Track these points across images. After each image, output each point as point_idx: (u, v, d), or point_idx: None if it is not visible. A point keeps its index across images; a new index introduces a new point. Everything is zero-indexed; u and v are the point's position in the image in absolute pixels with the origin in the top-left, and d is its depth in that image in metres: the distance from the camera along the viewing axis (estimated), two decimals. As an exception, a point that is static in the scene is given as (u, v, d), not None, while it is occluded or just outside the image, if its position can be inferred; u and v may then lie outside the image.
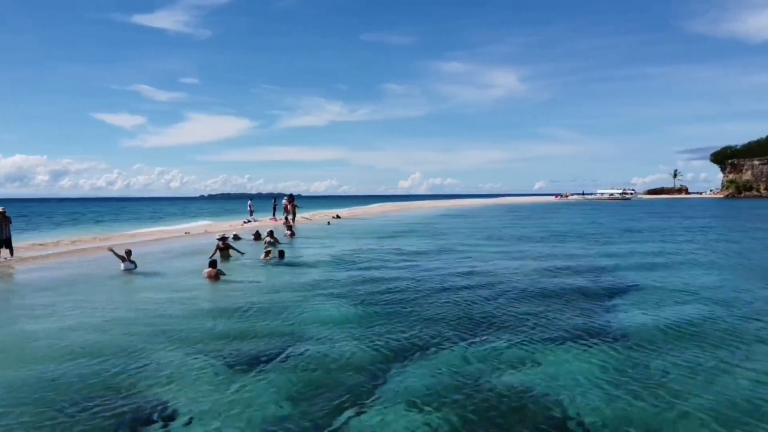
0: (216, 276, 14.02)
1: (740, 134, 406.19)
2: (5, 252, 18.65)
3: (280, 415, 5.69)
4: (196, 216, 60.09)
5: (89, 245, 23.19)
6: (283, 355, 7.61)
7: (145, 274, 14.86)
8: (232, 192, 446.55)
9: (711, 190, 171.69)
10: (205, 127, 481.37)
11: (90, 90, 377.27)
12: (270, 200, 46.02)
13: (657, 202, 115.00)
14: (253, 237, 24.58)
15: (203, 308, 10.68)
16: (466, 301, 11.34)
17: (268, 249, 17.93)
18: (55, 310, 10.53)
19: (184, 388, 6.43)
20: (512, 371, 7.03)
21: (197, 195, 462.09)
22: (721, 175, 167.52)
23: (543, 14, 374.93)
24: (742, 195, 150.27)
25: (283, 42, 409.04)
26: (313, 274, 14.92)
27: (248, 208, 41.38)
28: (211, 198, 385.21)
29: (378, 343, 8.26)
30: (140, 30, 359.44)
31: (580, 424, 5.52)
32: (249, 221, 37.71)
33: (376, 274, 15.00)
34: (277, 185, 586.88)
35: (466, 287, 12.87)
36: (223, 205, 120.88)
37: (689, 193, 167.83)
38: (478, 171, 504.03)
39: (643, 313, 10.16)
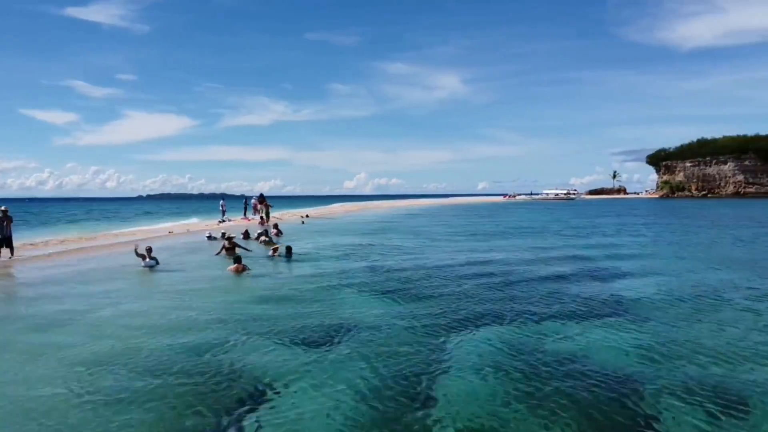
0: (242, 270, 14.94)
1: (671, 137, 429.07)
2: (5, 252, 18.73)
3: (364, 386, 6.50)
4: (157, 216, 59.37)
5: (85, 244, 23.35)
6: (348, 335, 8.62)
7: (169, 270, 15.56)
8: (172, 192, 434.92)
9: (646, 191, 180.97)
10: (143, 125, 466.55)
11: (18, 84, 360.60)
12: (219, 201, 46.17)
13: (599, 202, 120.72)
14: (242, 236, 25.23)
15: (253, 296, 11.67)
16: (481, 285, 12.81)
17: (276, 246, 18.82)
18: (118, 298, 11.31)
19: (274, 360, 7.47)
20: (548, 339, 8.46)
21: (135, 195, 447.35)
22: (654, 176, 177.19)
23: (484, 18, 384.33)
24: (676, 195, 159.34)
25: (225, 39, 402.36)
26: (327, 267, 16.01)
27: (220, 208, 41.61)
28: (150, 198, 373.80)
29: (424, 322, 9.46)
30: (73, 23, 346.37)
31: (613, 376, 7.01)
32: (223, 221, 38.04)
33: (386, 265, 16.28)
34: (219, 185, 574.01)
35: (475, 274, 14.38)
36: (180, 205, 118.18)
37: (627, 194, 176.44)
38: (423, 171, 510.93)
39: (645, 290, 11.91)
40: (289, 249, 18.59)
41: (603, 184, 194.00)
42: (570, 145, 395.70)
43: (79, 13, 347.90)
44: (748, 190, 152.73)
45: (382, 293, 12.08)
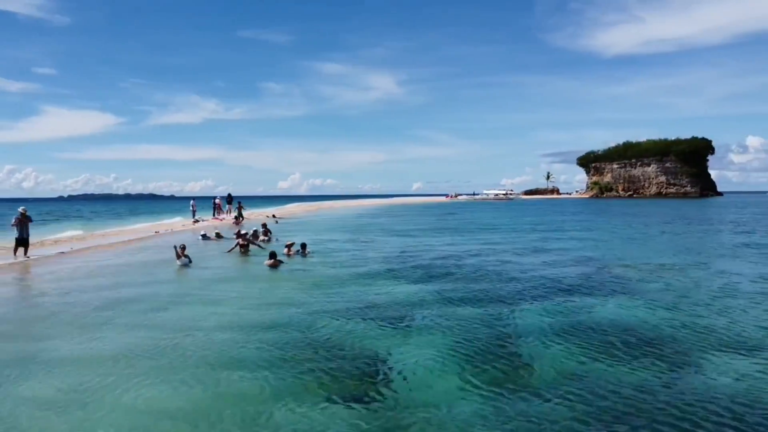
0: (278, 264, 15.52)
1: (595, 140, 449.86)
2: (19, 251, 18.45)
3: (456, 347, 7.55)
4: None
5: (85, 244, 22.87)
6: (420, 315, 9.53)
7: (207, 267, 15.87)
8: (96, 192, 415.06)
9: (577, 191, 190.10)
10: (63, 121, 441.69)
11: None
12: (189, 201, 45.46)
13: (537, 201, 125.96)
14: (235, 235, 25.33)
15: (314, 283, 12.32)
16: (498, 272, 13.97)
17: (290, 242, 19.28)
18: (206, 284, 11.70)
19: (377, 332, 8.34)
20: (585, 312, 9.64)
21: (56, 195, 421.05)
22: (580, 177, 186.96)
23: (417, 20, 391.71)
24: (604, 195, 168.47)
25: (152, 34, 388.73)
26: (347, 260, 16.82)
27: (191, 208, 41.06)
28: (72, 199, 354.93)
29: (476, 302, 10.56)
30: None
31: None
32: (198, 220, 37.66)
33: (402, 258, 17.22)
34: (147, 185, 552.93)
35: (490, 265, 15.54)
36: (113, 206, 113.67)
37: (560, 194, 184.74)
38: (357, 172, 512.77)
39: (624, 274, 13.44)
40: (303, 246, 19.10)
41: (533, 185, 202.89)
42: (500, 147, 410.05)
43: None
44: (669, 190, 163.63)
45: (415, 277, 13.22)
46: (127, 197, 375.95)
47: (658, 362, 6.89)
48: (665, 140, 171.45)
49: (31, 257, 18.08)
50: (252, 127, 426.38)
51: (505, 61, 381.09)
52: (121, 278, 13.86)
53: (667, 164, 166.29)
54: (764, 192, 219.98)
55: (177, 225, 34.04)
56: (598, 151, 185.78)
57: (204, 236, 24.66)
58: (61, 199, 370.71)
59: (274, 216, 43.26)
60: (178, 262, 15.93)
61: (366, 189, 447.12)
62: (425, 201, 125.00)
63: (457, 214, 56.29)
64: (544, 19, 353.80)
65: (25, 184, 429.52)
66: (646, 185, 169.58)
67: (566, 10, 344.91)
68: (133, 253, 19.21)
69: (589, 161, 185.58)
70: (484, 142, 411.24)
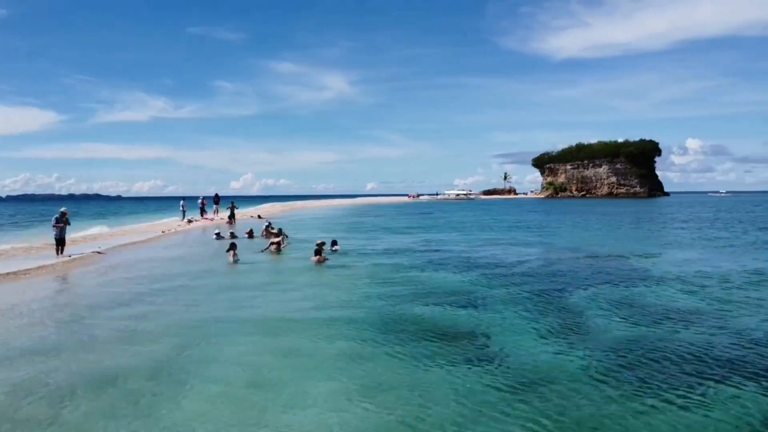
0: (323, 261, 16.56)
1: (545, 141, 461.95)
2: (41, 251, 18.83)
3: (539, 322, 9.09)
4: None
5: (113, 242, 23.09)
6: (493, 295, 11.03)
7: (258, 262, 16.76)
8: (37, 193, 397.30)
9: (532, 191, 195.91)
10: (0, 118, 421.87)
11: None
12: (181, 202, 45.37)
13: (497, 201, 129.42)
14: (246, 235, 25.95)
15: (378, 278, 13.47)
16: (523, 261, 15.51)
17: (320, 241, 20.12)
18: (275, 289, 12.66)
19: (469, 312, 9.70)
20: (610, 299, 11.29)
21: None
22: (529, 177, 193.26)
23: (370, 21, 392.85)
24: (559, 195, 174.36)
25: (96, 29, 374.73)
26: (382, 257, 17.99)
27: (181, 209, 41.03)
28: (12, 200, 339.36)
29: (526, 282, 12.03)
30: None
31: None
32: (191, 221, 37.86)
33: (429, 252, 18.55)
34: (92, 185, 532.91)
35: (513, 260, 17.07)
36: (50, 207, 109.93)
37: (516, 194, 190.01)
38: (311, 172, 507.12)
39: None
40: (334, 242, 19.98)
41: (486, 185, 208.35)
42: (452, 148, 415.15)
43: None
44: (619, 190, 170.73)
45: (460, 267, 14.58)
46: (71, 197, 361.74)
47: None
48: (615, 142, 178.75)
49: (73, 255, 18.42)
50: (203, 126, 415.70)
51: (457, 62, 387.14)
52: (191, 267, 14.61)
53: (618, 165, 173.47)
54: (705, 192, 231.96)
55: (173, 225, 34.19)
56: (552, 152, 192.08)
57: (218, 235, 25.22)
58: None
59: (259, 216, 43.58)
60: (231, 260, 16.70)
61: (320, 189, 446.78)
62: (389, 201, 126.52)
63: (434, 213, 57.97)
64: (495, 22, 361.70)
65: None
66: (598, 185, 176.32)
67: (517, 13, 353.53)
68: (172, 249, 19.80)
69: (543, 162, 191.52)
70: (436, 142, 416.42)
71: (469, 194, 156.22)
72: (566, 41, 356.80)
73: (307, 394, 5.74)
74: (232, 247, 17.27)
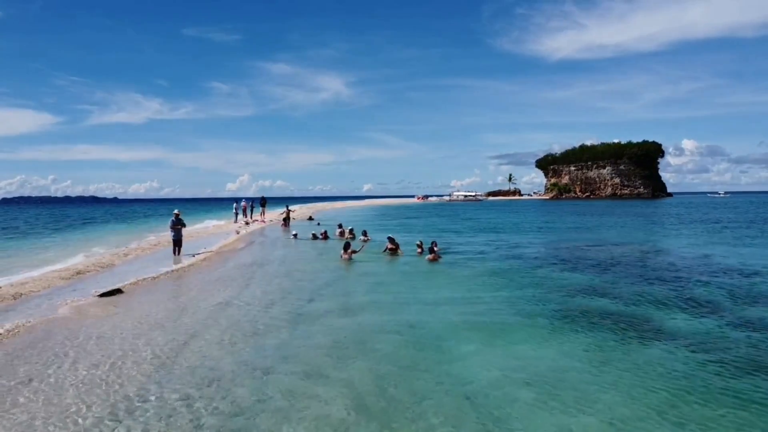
0: (436, 259, 17.99)
1: (540, 142, 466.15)
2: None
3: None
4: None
5: (196, 244, 24.36)
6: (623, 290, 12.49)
7: (372, 261, 18.14)
8: (33, 195, 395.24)
9: (536, 192, 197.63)
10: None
11: None
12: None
13: (504, 202, 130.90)
14: (321, 236, 27.13)
15: (503, 274, 14.89)
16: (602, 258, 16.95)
17: (418, 242, 21.31)
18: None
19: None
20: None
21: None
22: (526, 178, 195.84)
23: (365, 22, 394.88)
24: (563, 196, 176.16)
25: (91, 30, 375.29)
26: (481, 258, 19.39)
27: (234, 210, 42.22)
28: (7, 202, 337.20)
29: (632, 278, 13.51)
30: None
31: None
32: (248, 222, 39.16)
33: (515, 253, 19.97)
34: (88, 187, 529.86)
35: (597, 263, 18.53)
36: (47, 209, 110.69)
37: (521, 195, 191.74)
38: (307, 173, 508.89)
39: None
40: (434, 243, 21.12)
41: (483, 186, 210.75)
42: (448, 149, 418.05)
43: None
44: (623, 191, 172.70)
45: (569, 266, 15.96)
46: (67, 200, 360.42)
47: None
48: (618, 143, 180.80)
49: (197, 255, 19.72)
50: (198, 127, 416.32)
51: (452, 64, 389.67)
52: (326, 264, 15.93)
53: (621, 167, 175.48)
54: (704, 192, 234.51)
55: (231, 227, 35.52)
56: (556, 153, 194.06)
57: (295, 236, 26.53)
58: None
59: (311, 218, 44.44)
60: (345, 257, 18.04)
61: (316, 190, 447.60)
62: (399, 202, 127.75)
63: (461, 214, 59.39)
64: (490, 23, 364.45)
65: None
66: (602, 187, 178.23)
67: (512, 15, 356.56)
68: (270, 250, 21.20)
69: (547, 163, 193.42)
70: (432, 143, 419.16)
71: (477, 195, 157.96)
72: (561, 42, 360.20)
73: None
74: (346, 246, 18.59)
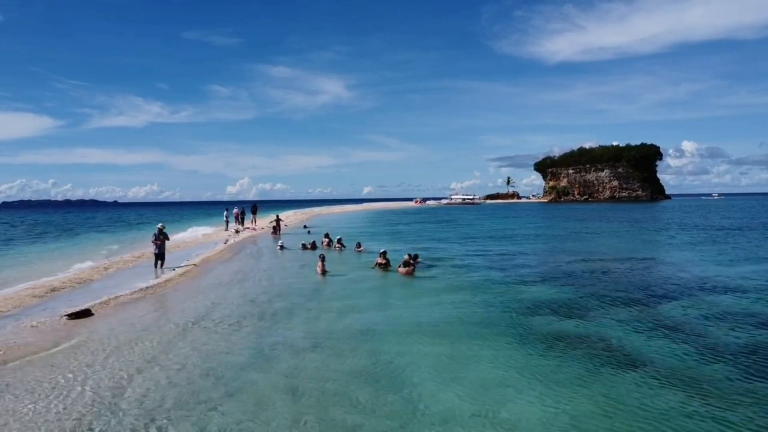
0: (411, 272, 17.77)
1: (540, 145, 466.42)
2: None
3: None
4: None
5: (185, 253, 24.13)
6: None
7: (341, 275, 17.92)
8: (33, 199, 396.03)
9: (534, 195, 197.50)
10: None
11: None
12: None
13: (503, 206, 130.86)
14: (310, 246, 26.89)
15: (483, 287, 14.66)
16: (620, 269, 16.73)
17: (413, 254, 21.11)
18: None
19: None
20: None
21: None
22: (525, 181, 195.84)
23: (363, 24, 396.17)
24: (562, 199, 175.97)
25: (91, 34, 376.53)
26: (466, 270, 19.15)
27: (227, 217, 41.95)
28: (8, 206, 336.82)
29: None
30: None
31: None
32: (238, 231, 38.90)
33: (510, 263, 19.74)
34: (88, 191, 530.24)
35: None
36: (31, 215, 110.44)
37: (520, 198, 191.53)
38: (307, 176, 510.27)
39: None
40: (416, 256, 20.96)
41: (483, 188, 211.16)
42: (448, 152, 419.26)
43: None
44: (622, 194, 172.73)
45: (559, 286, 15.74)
46: (67, 203, 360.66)
47: None
48: (617, 146, 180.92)
49: (177, 269, 19.46)
50: (198, 130, 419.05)
51: (451, 66, 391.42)
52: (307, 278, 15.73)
53: (619, 169, 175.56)
54: (701, 194, 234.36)
55: (222, 235, 35.27)
56: (554, 156, 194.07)
57: (282, 247, 26.32)
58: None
59: (305, 227, 44.09)
60: (320, 269, 17.93)
61: (316, 193, 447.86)
62: (397, 206, 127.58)
63: (455, 220, 59.15)
64: (490, 26, 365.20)
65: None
66: (600, 189, 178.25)
67: (511, 17, 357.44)
68: (255, 260, 20.99)
69: (545, 166, 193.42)
70: (432, 146, 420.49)
71: (474, 199, 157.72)
72: (560, 45, 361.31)
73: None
74: (323, 258, 18.41)
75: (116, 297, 14.02)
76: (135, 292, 14.92)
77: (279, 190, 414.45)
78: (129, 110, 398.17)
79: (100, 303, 13.30)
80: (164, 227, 20.32)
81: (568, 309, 12.39)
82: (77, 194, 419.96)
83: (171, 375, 8.05)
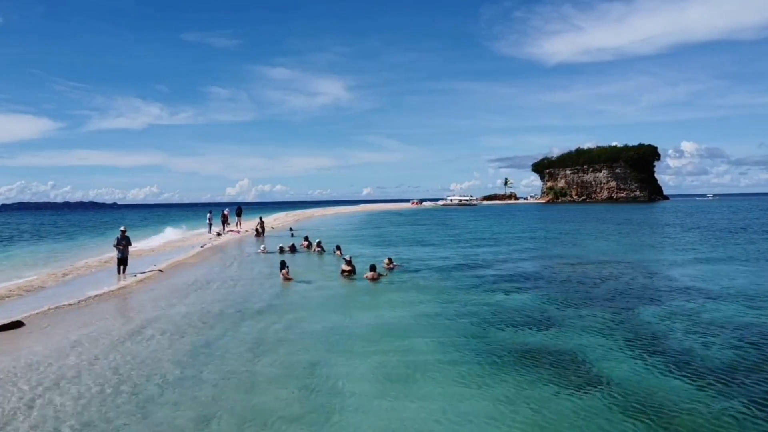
0: (377, 278, 16.85)
1: (538, 145, 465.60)
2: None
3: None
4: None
5: (160, 257, 23.21)
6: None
7: (308, 282, 17.01)
8: (32, 201, 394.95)
9: (532, 196, 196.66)
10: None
11: None
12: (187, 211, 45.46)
13: (500, 207, 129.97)
14: (289, 249, 26.00)
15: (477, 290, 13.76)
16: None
17: (389, 258, 20.22)
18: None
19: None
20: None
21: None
22: (525, 182, 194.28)
23: (361, 25, 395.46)
24: (560, 200, 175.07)
25: (90, 36, 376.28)
26: (431, 274, 18.27)
27: (211, 219, 40.99)
28: (7, 208, 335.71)
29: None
30: None
31: None
32: (220, 234, 37.97)
33: (469, 267, 18.83)
34: (87, 193, 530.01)
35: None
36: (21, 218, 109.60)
37: (517, 199, 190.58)
38: (306, 178, 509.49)
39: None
40: (390, 260, 20.12)
41: (482, 189, 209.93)
42: (447, 153, 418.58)
43: None
44: (620, 195, 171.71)
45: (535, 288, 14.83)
46: (66, 205, 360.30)
47: None
48: (615, 147, 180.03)
49: (139, 275, 18.57)
50: (197, 132, 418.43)
51: (450, 67, 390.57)
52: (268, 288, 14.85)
53: (617, 170, 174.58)
54: (702, 195, 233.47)
55: (203, 239, 34.33)
56: (552, 157, 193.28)
57: (263, 250, 25.47)
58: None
59: (291, 229, 43.25)
60: (282, 276, 17.08)
61: (316, 195, 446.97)
62: (393, 207, 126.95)
63: (447, 222, 58.27)
64: (489, 26, 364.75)
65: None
66: (598, 190, 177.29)
67: (510, 18, 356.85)
68: (223, 266, 20.09)
69: (543, 167, 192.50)
70: (431, 147, 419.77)
71: (471, 200, 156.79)
72: (559, 46, 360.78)
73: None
74: (283, 265, 17.53)
75: (56, 306, 13.09)
76: (82, 300, 14.00)
77: (279, 192, 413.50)
78: (128, 112, 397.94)
79: (37, 313, 12.40)
80: (126, 231, 19.38)
81: (541, 318, 11.44)
82: (77, 196, 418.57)
83: (74, 399, 7.16)
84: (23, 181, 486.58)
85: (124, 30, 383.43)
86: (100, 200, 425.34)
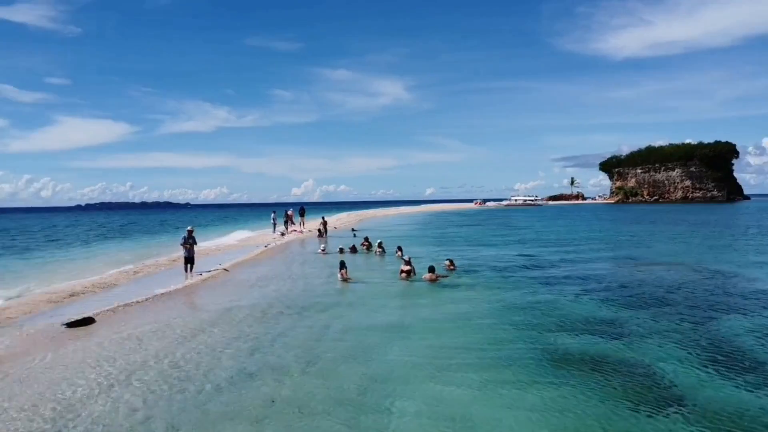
0: (436, 279, 16.46)
1: (606, 144, 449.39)
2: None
3: None
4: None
5: (226, 257, 23.83)
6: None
7: (365, 282, 16.86)
8: (113, 201, 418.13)
9: (600, 196, 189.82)
10: (78, 131, 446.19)
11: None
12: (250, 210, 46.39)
13: (567, 207, 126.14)
14: (350, 250, 25.98)
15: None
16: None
17: (449, 258, 19.88)
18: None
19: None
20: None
21: (73, 204, 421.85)
22: (592, 181, 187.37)
23: (421, 25, 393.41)
24: (630, 200, 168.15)
25: (160, 43, 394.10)
26: (497, 277, 17.66)
27: (275, 219, 41.75)
28: (90, 208, 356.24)
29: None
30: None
31: None
32: (283, 234, 38.63)
33: (531, 271, 18.01)
34: (162, 193, 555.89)
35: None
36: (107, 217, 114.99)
37: (584, 199, 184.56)
38: (369, 178, 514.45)
39: None
40: (451, 261, 19.68)
41: (547, 189, 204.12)
42: (510, 152, 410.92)
43: (3, 13, 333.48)
44: (695, 195, 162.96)
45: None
46: (143, 205, 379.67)
47: None
48: (688, 144, 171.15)
49: (204, 274, 19.01)
50: (263, 134, 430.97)
51: (513, 65, 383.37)
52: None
53: (692, 168, 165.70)
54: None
55: (267, 239, 35.00)
56: (620, 155, 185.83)
57: (323, 251, 25.62)
58: (78, 207, 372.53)
59: (353, 230, 43.42)
60: (341, 277, 17.11)
61: (379, 195, 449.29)
62: (455, 208, 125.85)
63: (511, 223, 57.01)
64: (551, 23, 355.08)
65: (43, 193, 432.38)
66: (672, 190, 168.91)
67: (573, 14, 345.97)
68: (286, 265, 20.31)
69: (611, 166, 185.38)
70: (494, 146, 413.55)
71: (536, 200, 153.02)
72: (626, 40, 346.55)
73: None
74: (342, 265, 17.44)
75: (125, 303, 13.49)
76: (148, 298, 14.39)
77: (342, 192, 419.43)
78: (198, 115, 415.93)
79: (107, 310, 12.80)
80: (193, 231, 19.85)
81: (611, 325, 10.71)
82: (153, 196, 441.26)
83: (139, 394, 7.27)
84: (104, 183, 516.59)
85: (191, 36, 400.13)
86: (174, 200, 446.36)
